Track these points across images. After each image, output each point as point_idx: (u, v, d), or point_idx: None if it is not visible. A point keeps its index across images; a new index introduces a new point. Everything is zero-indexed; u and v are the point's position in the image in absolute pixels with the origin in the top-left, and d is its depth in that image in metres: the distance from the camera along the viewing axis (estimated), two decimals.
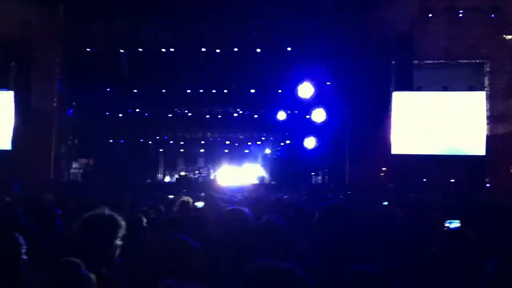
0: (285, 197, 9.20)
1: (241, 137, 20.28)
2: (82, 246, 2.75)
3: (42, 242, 3.20)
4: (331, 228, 3.35)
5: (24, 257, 2.53)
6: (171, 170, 21.59)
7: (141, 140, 19.53)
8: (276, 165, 17.64)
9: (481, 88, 16.13)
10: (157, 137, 20.14)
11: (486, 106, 15.74)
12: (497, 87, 15.94)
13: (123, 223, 2.94)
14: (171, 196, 7.84)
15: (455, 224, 8.25)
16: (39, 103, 17.08)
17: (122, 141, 19.05)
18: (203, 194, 8.57)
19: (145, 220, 3.95)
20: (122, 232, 2.91)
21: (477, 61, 16.70)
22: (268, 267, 1.93)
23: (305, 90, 15.28)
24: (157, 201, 6.19)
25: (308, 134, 15.86)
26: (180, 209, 5.17)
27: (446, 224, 8.21)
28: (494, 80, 16.07)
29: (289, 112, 17.03)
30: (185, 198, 5.48)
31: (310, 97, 15.19)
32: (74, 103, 17.21)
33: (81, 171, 18.02)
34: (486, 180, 14.85)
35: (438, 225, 7.66)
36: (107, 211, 2.96)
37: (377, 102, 15.55)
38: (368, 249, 4.20)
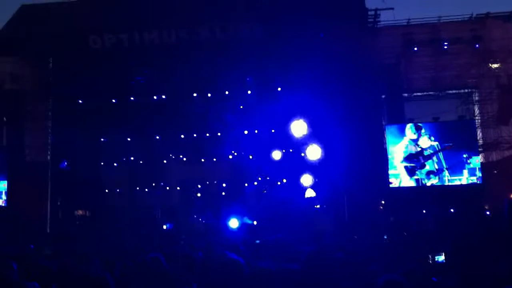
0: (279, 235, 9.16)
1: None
2: None
3: None
4: (315, 273, 3.46)
5: None
6: (169, 219, 21.10)
7: (137, 188, 19.35)
8: (273, 205, 17.45)
9: (471, 117, 16.25)
10: (153, 184, 19.92)
11: (478, 134, 15.81)
12: (487, 115, 16.06)
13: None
14: None
15: (440, 257, 8.38)
16: (33, 156, 17.02)
17: (118, 190, 18.86)
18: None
19: None
20: None
21: (466, 90, 16.91)
22: None
23: (298, 127, 15.29)
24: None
25: (303, 171, 15.79)
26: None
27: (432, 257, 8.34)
28: (484, 109, 16.20)
29: (284, 151, 17.02)
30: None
31: (304, 135, 15.21)
32: (67, 155, 17.05)
33: (78, 223, 17.74)
34: (486, 207, 14.79)
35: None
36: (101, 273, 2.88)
37: (371, 136, 15.60)
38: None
